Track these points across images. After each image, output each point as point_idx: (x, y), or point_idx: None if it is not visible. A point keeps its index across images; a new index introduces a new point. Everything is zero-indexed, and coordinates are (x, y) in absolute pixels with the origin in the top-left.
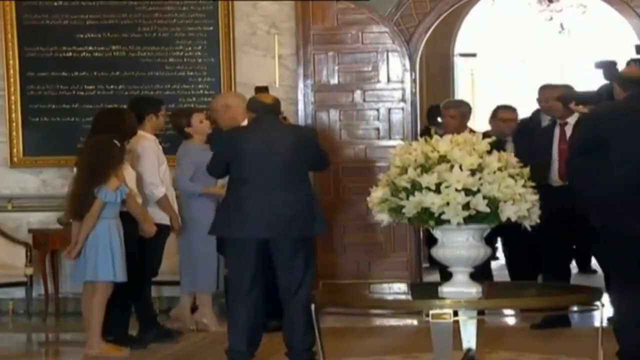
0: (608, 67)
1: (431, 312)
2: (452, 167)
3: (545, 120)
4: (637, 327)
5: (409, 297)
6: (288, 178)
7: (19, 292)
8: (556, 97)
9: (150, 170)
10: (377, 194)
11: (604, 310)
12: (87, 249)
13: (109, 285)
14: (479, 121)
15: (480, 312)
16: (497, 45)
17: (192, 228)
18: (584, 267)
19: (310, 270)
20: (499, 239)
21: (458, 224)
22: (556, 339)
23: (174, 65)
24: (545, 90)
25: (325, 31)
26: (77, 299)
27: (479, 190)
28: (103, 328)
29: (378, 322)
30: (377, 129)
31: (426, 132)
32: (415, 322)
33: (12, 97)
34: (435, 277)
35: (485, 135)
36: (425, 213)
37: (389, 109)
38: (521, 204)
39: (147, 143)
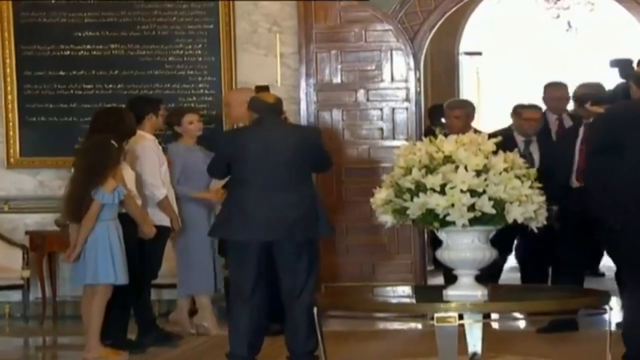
0: (624, 66)
1: (436, 315)
2: (457, 167)
3: (552, 119)
4: None
5: (413, 300)
6: (290, 178)
7: (16, 295)
8: (568, 96)
9: (151, 170)
10: (381, 195)
11: (612, 314)
12: (86, 252)
13: (108, 288)
14: (485, 120)
15: (486, 316)
16: (503, 44)
17: (187, 230)
18: (592, 270)
19: (313, 273)
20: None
21: (463, 225)
22: (563, 343)
23: (174, 64)
24: (551, 89)
25: (328, 29)
26: (75, 302)
27: (484, 192)
28: (102, 332)
29: (382, 325)
30: (381, 129)
31: (429, 133)
32: (419, 325)
33: (9, 97)
34: (440, 279)
35: (493, 135)
36: (429, 214)
37: (393, 109)
38: (528, 206)
39: (146, 143)
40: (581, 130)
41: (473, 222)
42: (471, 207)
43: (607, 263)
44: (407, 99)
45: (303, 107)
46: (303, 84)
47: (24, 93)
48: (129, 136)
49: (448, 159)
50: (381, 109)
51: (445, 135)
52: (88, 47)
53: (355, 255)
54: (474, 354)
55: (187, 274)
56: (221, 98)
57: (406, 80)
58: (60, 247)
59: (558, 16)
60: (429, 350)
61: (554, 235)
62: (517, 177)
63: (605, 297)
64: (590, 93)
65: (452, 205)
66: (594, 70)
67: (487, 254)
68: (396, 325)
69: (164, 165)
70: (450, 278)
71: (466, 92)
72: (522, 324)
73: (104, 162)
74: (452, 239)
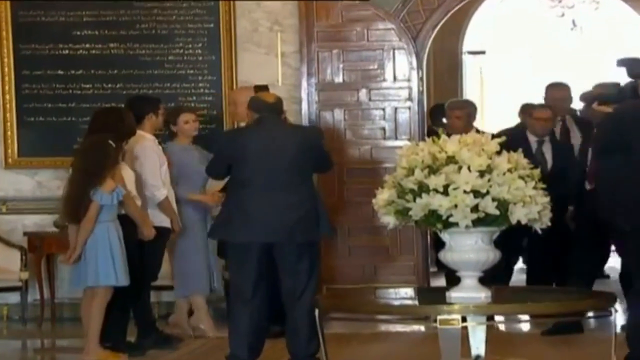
0: (631, 65)
1: (439, 317)
2: (460, 168)
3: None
4: None
5: (416, 302)
6: (291, 179)
7: (14, 297)
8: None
9: (152, 171)
10: (383, 195)
11: (617, 316)
12: (86, 254)
13: (109, 290)
14: (488, 120)
15: (490, 318)
16: (507, 42)
17: (182, 231)
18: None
19: (315, 274)
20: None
21: (466, 226)
22: (568, 346)
23: (174, 64)
24: (552, 89)
25: (330, 28)
26: (74, 304)
27: (488, 192)
28: (101, 334)
29: (384, 328)
30: (383, 129)
31: (430, 133)
32: (422, 328)
33: (7, 96)
34: (443, 281)
35: (504, 133)
36: (432, 215)
37: (395, 109)
38: (532, 206)
39: (147, 143)
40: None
41: (476, 223)
42: (474, 208)
43: (612, 265)
44: (410, 99)
45: (304, 106)
46: (304, 83)
47: (22, 92)
48: (128, 136)
49: (451, 160)
50: (383, 109)
51: (448, 136)
52: (87, 46)
53: (357, 256)
54: (478, 356)
55: (181, 276)
56: (221, 98)
57: (409, 80)
58: (59, 249)
59: (562, 15)
60: (431, 353)
61: (563, 237)
62: (521, 177)
63: (610, 299)
64: (609, 92)
65: (455, 206)
66: (598, 69)
67: (491, 255)
68: (399, 328)
69: (165, 166)
70: (453, 280)
71: (469, 91)
72: (526, 326)
73: (102, 162)
74: (455, 240)
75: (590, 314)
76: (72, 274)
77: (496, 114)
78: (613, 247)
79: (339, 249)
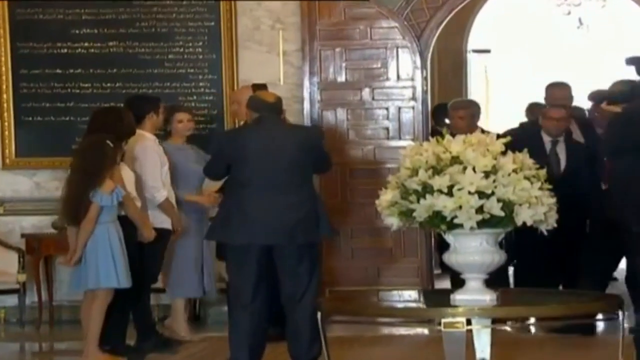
0: None
1: (443, 320)
2: (465, 168)
3: None
4: None
5: (420, 305)
6: (291, 179)
7: (12, 300)
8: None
9: (152, 172)
10: (387, 196)
11: (625, 319)
12: (87, 256)
13: (109, 292)
14: (493, 119)
15: (495, 321)
16: (512, 41)
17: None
18: None
19: (315, 276)
20: None
21: (471, 228)
22: (575, 349)
23: (174, 62)
24: (553, 89)
25: (332, 26)
26: (72, 306)
27: (493, 193)
28: (100, 337)
29: (387, 331)
30: (387, 129)
31: (434, 133)
32: (426, 331)
33: (4, 96)
34: (447, 283)
35: (517, 129)
36: (436, 217)
37: (399, 108)
38: (537, 208)
39: (147, 143)
40: None
41: (481, 224)
42: (479, 209)
43: (619, 267)
44: (414, 98)
45: (306, 106)
46: (306, 82)
47: (20, 92)
48: (128, 136)
49: (455, 160)
50: (387, 108)
51: (452, 136)
52: (86, 44)
53: (360, 258)
54: None
55: (173, 278)
56: (222, 97)
57: (412, 79)
58: (57, 250)
59: (569, 13)
60: (436, 357)
61: (570, 238)
62: (527, 178)
63: (618, 301)
64: (623, 90)
65: (460, 207)
66: (605, 68)
67: (496, 257)
68: (402, 331)
69: (165, 166)
70: (458, 282)
71: (474, 90)
72: (532, 329)
73: (100, 162)
74: (460, 242)
75: (600, 316)
76: (72, 277)
77: (501, 113)
78: None
79: (342, 250)
